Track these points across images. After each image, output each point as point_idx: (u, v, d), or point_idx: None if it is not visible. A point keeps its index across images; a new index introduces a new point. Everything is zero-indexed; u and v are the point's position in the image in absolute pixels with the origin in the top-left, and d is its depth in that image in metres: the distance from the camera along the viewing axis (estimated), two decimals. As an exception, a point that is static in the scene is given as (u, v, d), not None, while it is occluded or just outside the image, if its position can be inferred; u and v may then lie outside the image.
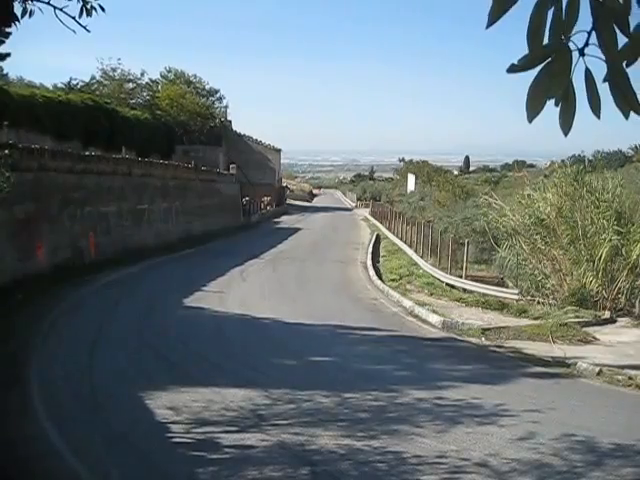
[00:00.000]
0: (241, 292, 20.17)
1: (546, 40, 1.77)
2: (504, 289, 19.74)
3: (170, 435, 8.03)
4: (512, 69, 1.77)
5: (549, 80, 1.73)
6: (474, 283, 20.58)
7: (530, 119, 1.79)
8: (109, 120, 34.20)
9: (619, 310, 17.40)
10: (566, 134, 1.81)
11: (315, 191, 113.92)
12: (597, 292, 17.65)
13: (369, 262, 28.27)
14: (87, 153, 26.84)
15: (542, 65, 1.74)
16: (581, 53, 1.75)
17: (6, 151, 12.45)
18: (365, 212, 65.87)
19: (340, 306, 18.58)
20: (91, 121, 31.84)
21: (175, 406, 9.03)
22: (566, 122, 1.80)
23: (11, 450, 7.53)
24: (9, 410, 8.86)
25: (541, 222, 18.94)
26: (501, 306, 17.83)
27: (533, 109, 1.77)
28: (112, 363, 11.47)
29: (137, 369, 11.16)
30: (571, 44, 1.75)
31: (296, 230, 45.86)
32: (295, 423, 8.44)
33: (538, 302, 17.85)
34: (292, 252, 32.42)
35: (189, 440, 7.84)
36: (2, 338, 12.91)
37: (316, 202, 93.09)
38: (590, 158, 58.15)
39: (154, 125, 42.61)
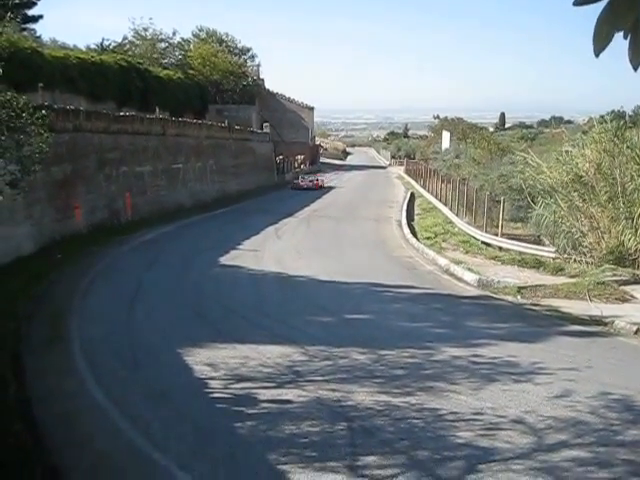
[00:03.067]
0: (276, 250, 20.28)
1: None
2: (540, 247, 19.49)
3: (208, 390, 8.19)
4: (579, 1, 1.69)
5: (617, 11, 1.65)
6: (510, 241, 20.37)
7: (597, 53, 1.71)
8: (142, 80, 34.29)
9: (658, 268, 17.06)
10: (636, 68, 1.72)
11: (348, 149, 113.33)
12: (635, 250, 17.28)
13: (404, 220, 28.15)
14: (121, 113, 27.01)
15: None
16: None
17: (43, 112, 12.50)
18: (399, 170, 65.43)
19: (375, 264, 18.59)
20: (124, 81, 31.98)
21: (213, 362, 9.19)
22: (636, 54, 1.71)
23: (54, 405, 7.75)
24: (51, 367, 9.11)
25: (579, 179, 18.51)
26: (537, 264, 17.66)
27: (600, 42, 1.70)
28: (150, 321, 11.71)
29: (175, 326, 11.36)
30: None
31: (330, 188, 45.78)
32: (331, 379, 8.52)
33: (575, 260, 17.56)
34: (326, 211, 32.43)
35: (227, 395, 7.99)
36: (42, 297, 13.22)
37: (350, 160, 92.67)
38: (630, 113, 56.49)
39: (187, 85, 42.60)
